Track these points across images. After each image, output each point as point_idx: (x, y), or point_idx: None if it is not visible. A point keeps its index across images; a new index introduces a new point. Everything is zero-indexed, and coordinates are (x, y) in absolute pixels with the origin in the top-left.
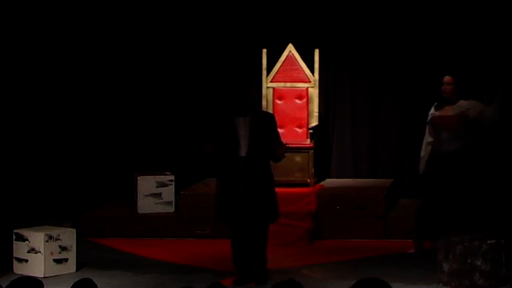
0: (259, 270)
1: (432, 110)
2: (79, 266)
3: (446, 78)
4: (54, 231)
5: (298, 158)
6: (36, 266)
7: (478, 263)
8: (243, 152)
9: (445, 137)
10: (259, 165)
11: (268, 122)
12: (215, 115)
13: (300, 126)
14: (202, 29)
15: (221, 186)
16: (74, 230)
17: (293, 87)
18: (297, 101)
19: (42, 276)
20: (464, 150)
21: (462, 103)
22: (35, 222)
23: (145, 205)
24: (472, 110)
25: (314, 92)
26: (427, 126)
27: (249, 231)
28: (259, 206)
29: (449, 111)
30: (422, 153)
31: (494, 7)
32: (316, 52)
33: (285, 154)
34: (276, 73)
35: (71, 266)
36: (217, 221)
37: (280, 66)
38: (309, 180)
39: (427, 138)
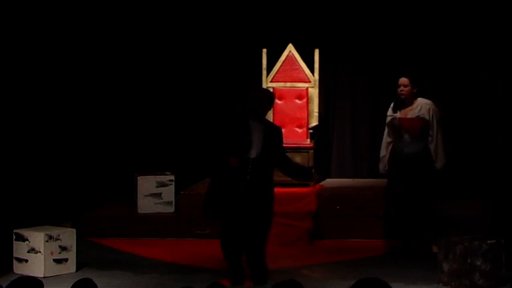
0: (259, 270)
1: (390, 112)
2: (79, 266)
3: (403, 80)
4: (54, 231)
5: (298, 158)
6: (36, 266)
7: (478, 263)
8: (253, 154)
9: (407, 139)
10: (266, 170)
11: (278, 135)
12: (230, 114)
13: (300, 126)
14: (203, 29)
15: (218, 185)
16: (74, 230)
17: (293, 87)
18: (297, 101)
19: (42, 276)
20: (425, 151)
21: (420, 102)
22: (35, 222)
23: (145, 205)
24: (425, 110)
25: (314, 92)
26: (387, 127)
27: (243, 231)
28: (256, 212)
29: (408, 112)
30: (383, 153)
31: (494, 7)
32: (316, 52)
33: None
34: (276, 73)
35: (71, 266)
36: (208, 219)
37: (280, 66)
38: None
39: (387, 139)
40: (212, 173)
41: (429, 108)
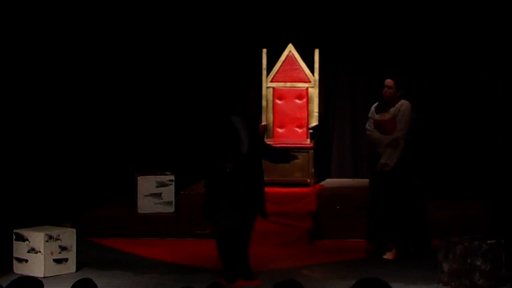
0: (247, 266)
1: (372, 113)
2: (79, 266)
3: (388, 81)
4: (54, 231)
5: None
6: (36, 266)
7: (478, 263)
8: (244, 149)
9: None
10: (258, 162)
11: (255, 122)
12: (213, 114)
13: (300, 126)
14: (203, 29)
15: (216, 185)
16: (74, 230)
17: (293, 87)
18: (297, 101)
19: (42, 276)
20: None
21: (399, 104)
22: (35, 222)
23: (145, 205)
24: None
25: (314, 92)
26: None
27: (241, 229)
28: (254, 204)
29: (386, 114)
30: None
31: (494, 7)
32: (316, 52)
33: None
34: (276, 73)
35: (71, 266)
36: (207, 219)
37: (280, 66)
38: (309, 180)
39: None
40: (210, 173)
41: (404, 109)
